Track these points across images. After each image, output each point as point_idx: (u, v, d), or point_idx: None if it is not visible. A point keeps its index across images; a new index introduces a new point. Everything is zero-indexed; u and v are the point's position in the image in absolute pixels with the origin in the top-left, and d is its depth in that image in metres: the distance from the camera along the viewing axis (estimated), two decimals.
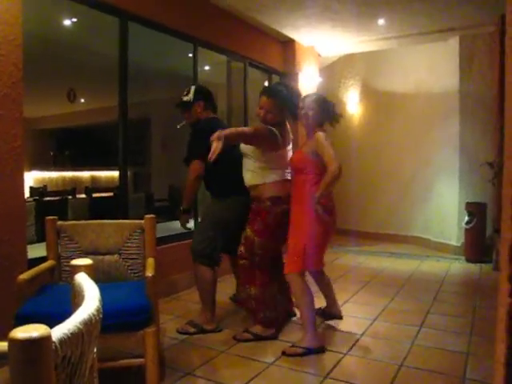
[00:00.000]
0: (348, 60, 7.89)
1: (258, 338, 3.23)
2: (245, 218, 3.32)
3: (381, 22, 5.68)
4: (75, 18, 5.12)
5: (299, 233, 3.10)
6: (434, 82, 6.85)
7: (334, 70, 8.08)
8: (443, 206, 6.68)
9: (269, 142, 3.21)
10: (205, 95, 3.61)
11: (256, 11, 5.41)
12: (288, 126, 3.41)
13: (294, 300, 3.52)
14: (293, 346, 3.02)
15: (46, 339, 0.76)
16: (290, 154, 3.38)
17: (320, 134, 3.12)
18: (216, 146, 2.77)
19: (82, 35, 5.87)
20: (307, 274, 3.34)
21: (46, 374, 0.76)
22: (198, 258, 3.40)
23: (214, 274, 3.42)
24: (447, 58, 6.57)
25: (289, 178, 3.30)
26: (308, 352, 2.96)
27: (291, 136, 3.47)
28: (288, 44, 6.59)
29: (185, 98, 3.54)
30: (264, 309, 3.26)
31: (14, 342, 0.74)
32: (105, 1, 3.84)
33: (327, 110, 3.25)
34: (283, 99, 3.25)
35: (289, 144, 3.39)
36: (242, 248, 3.29)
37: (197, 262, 3.41)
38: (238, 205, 3.42)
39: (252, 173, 3.29)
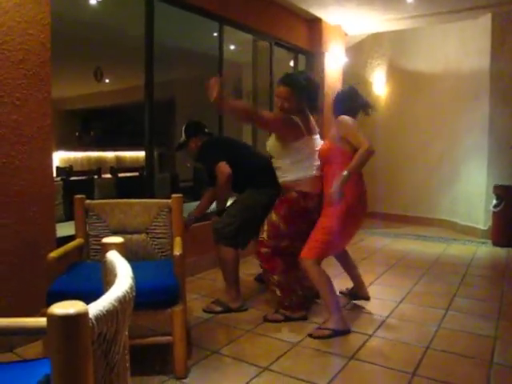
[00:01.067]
0: (375, 39, 7.73)
1: (287, 319, 3.24)
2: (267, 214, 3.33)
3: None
4: None
5: (324, 222, 3.09)
6: (463, 62, 6.67)
7: (361, 50, 7.92)
8: (471, 188, 6.56)
9: (288, 130, 3.19)
10: (194, 129, 3.73)
11: None
12: (310, 115, 3.34)
13: None
14: (319, 329, 3.03)
15: (84, 316, 0.76)
16: (318, 142, 3.34)
17: (343, 117, 3.09)
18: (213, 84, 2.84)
19: (108, 15, 5.87)
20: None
21: (84, 350, 0.77)
22: (221, 239, 3.42)
23: (236, 254, 3.44)
24: (478, 37, 6.38)
25: (318, 173, 3.24)
26: (334, 334, 2.96)
27: (315, 126, 3.38)
28: (314, 23, 6.47)
29: (180, 141, 3.74)
30: (290, 294, 3.26)
31: (52, 318, 0.74)
32: None
33: (356, 102, 3.32)
34: (300, 88, 3.20)
35: (314, 133, 3.33)
36: (264, 235, 3.26)
37: (220, 243, 3.43)
38: (269, 194, 3.42)
39: (280, 170, 3.30)
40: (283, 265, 3.24)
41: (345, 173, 2.92)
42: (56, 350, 0.75)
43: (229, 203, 3.66)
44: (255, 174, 3.56)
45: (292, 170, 3.22)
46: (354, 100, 3.31)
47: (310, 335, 2.99)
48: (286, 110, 3.21)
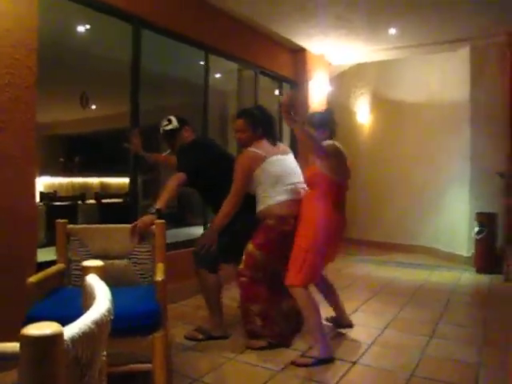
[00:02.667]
0: (359, 69, 7.90)
1: (269, 345, 3.20)
2: (252, 232, 3.31)
3: (392, 31, 5.69)
4: (89, 24, 5.18)
5: (301, 242, 3.08)
6: (445, 92, 6.83)
7: (345, 79, 8.08)
8: (453, 215, 6.63)
9: (248, 167, 3.27)
10: (186, 121, 3.73)
11: (268, 20, 5.44)
12: (265, 141, 3.38)
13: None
14: (302, 356, 3.00)
15: (59, 336, 0.75)
16: (290, 161, 3.40)
17: (330, 144, 3.12)
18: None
19: (95, 41, 5.93)
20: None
21: (58, 373, 0.76)
22: (200, 262, 3.37)
23: (217, 279, 3.40)
24: (458, 68, 6.56)
25: (292, 197, 3.25)
26: (318, 362, 2.92)
27: (280, 146, 3.43)
28: (299, 52, 6.61)
29: (169, 127, 3.62)
30: (271, 324, 3.22)
31: (26, 339, 0.73)
32: (118, 7, 3.88)
33: (331, 127, 3.29)
34: (253, 118, 3.37)
35: (280, 153, 3.36)
36: (242, 265, 3.24)
37: (199, 266, 3.38)
38: (247, 217, 3.38)
39: (257, 201, 3.33)
40: (265, 294, 3.21)
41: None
42: (28, 373, 0.74)
43: (202, 230, 3.62)
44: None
45: (265, 197, 3.25)
46: (333, 121, 3.33)
47: (294, 363, 2.95)
48: (243, 140, 3.37)
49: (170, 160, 3.92)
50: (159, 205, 3.15)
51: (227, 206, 3.27)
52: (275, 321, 3.24)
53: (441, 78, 6.93)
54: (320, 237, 3.03)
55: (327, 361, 2.96)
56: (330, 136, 3.24)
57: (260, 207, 3.28)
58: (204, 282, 3.39)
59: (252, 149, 3.30)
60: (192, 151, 3.52)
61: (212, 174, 3.46)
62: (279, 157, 3.33)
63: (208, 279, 3.37)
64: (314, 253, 3.03)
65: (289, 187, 3.26)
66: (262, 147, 3.31)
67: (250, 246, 3.22)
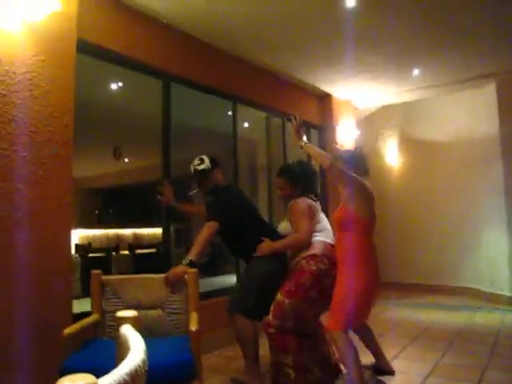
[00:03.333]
0: (385, 111, 7.93)
1: None
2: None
3: (416, 72, 5.74)
4: (121, 81, 5.41)
5: (341, 289, 3.00)
6: (473, 128, 6.80)
7: (372, 122, 8.12)
8: (493, 253, 6.43)
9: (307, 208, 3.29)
10: (218, 163, 3.71)
11: (294, 69, 5.60)
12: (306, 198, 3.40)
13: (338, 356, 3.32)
14: None
15: None
16: (323, 220, 3.40)
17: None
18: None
19: (127, 97, 6.17)
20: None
21: None
22: (240, 310, 3.26)
23: (254, 327, 3.27)
24: (486, 104, 6.55)
25: (328, 240, 3.26)
26: None
27: (316, 206, 3.42)
28: (325, 98, 6.72)
29: (202, 167, 3.56)
30: (306, 375, 3.08)
31: None
32: (149, 64, 4.07)
33: (358, 164, 3.26)
34: (293, 177, 3.42)
35: (316, 212, 3.37)
36: (270, 316, 3.12)
37: (238, 314, 3.27)
38: (280, 260, 3.36)
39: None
40: (296, 343, 3.08)
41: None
42: None
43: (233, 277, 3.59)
44: (256, 243, 3.41)
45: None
46: (361, 159, 3.34)
47: None
48: (283, 197, 3.45)
49: (201, 209, 3.95)
50: (191, 256, 3.14)
51: (293, 240, 3.25)
52: (309, 369, 3.10)
53: (468, 114, 6.91)
54: (361, 281, 2.96)
55: None
56: (359, 174, 3.20)
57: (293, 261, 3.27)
58: (240, 329, 3.26)
59: (298, 200, 3.35)
60: (224, 199, 3.51)
61: (240, 223, 3.45)
62: (319, 211, 3.40)
63: (245, 326, 3.23)
64: (355, 297, 2.95)
65: (327, 232, 3.30)
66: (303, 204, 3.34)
67: (279, 295, 3.12)
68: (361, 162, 3.29)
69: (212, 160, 3.62)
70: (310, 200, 3.35)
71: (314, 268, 3.08)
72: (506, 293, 6.14)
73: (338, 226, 3.17)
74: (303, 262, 3.14)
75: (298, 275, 3.10)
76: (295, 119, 3.26)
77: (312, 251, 3.15)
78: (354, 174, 3.08)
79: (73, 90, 3.16)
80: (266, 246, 3.27)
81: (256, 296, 3.26)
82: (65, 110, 3.09)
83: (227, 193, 3.60)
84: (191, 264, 3.09)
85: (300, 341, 3.11)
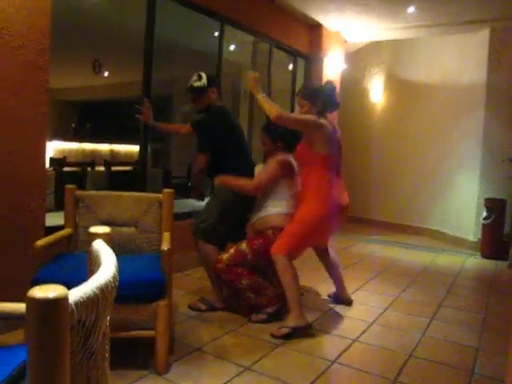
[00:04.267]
0: (374, 48, 7.78)
1: (271, 316, 3.24)
2: (248, 208, 3.48)
3: (411, 9, 5.55)
4: None
5: (295, 218, 3.17)
6: (460, 74, 6.72)
7: (360, 57, 7.97)
8: (462, 200, 6.60)
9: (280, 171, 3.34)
10: (217, 83, 3.62)
11: None
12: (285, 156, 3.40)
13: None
14: (280, 328, 3.02)
15: (63, 300, 0.76)
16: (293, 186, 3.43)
17: (317, 120, 3.15)
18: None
19: (110, 6, 5.86)
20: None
21: (62, 335, 0.77)
22: (201, 235, 3.38)
23: (216, 252, 3.38)
24: (476, 50, 6.44)
25: (285, 211, 3.32)
26: (293, 332, 2.97)
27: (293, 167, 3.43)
28: (315, 28, 6.50)
29: (197, 84, 3.45)
30: (264, 290, 3.26)
31: (31, 301, 0.74)
32: None
33: (323, 99, 3.24)
34: (275, 133, 3.41)
35: (295, 173, 3.41)
36: (225, 256, 3.25)
37: (200, 239, 3.38)
38: (240, 202, 3.43)
39: (255, 212, 3.43)
40: (245, 270, 3.24)
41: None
42: (33, 334, 0.75)
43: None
44: (238, 173, 3.44)
45: (266, 208, 3.35)
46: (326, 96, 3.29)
47: (272, 335, 2.98)
48: (266, 153, 3.58)
49: (181, 129, 3.91)
50: (193, 194, 3.56)
51: (244, 186, 3.33)
52: (266, 286, 3.28)
53: (457, 59, 6.81)
54: (314, 213, 3.11)
55: (303, 329, 3.01)
56: (322, 111, 3.22)
57: (258, 215, 3.38)
58: (204, 253, 3.41)
59: (290, 157, 3.38)
60: (216, 119, 3.46)
61: (224, 148, 3.43)
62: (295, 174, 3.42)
63: (207, 250, 3.38)
64: (305, 226, 3.11)
65: (287, 203, 3.34)
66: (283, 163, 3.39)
67: (244, 246, 3.27)
68: (326, 99, 3.25)
69: (210, 78, 3.50)
70: (290, 160, 3.37)
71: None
72: (470, 237, 6.38)
73: (298, 161, 3.34)
74: (269, 231, 3.28)
75: (266, 241, 3.23)
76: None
77: (275, 223, 3.28)
78: (309, 116, 3.13)
79: None
80: (222, 178, 3.34)
81: (214, 222, 3.37)
82: (40, 14, 2.90)
83: (220, 114, 3.52)
84: (199, 195, 3.56)
85: (248, 268, 3.29)
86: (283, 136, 3.38)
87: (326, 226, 3.26)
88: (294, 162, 3.38)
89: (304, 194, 3.22)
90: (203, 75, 3.48)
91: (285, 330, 2.98)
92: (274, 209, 3.33)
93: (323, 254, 3.70)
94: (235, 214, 3.45)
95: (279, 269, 3.07)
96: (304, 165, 3.27)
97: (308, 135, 3.19)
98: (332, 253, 3.72)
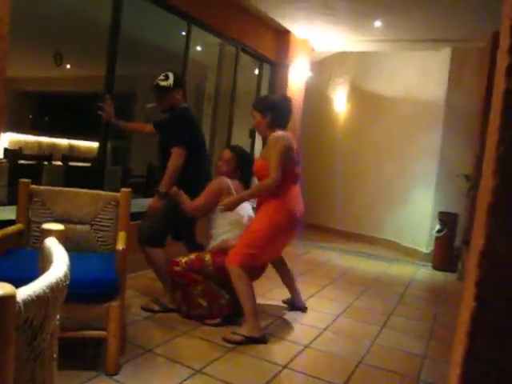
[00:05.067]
0: (340, 58, 7.90)
1: (220, 323, 3.23)
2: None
3: (377, 23, 5.70)
4: None
5: (250, 229, 3.17)
6: (421, 90, 6.92)
7: (325, 66, 8.09)
8: (417, 212, 6.79)
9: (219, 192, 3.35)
10: (183, 84, 3.61)
11: None
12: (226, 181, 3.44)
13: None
14: (233, 333, 3.01)
15: (11, 298, 0.75)
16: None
17: (273, 135, 3.14)
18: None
19: None
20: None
21: (7, 334, 0.75)
22: (146, 241, 3.35)
23: (163, 254, 3.38)
24: (437, 68, 6.65)
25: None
26: (246, 341, 2.95)
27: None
28: (283, 34, 6.56)
29: (163, 83, 3.44)
30: (218, 299, 3.25)
31: None
32: None
33: (275, 112, 3.22)
34: (242, 157, 3.55)
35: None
36: (183, 260, 3.24)
37: (145, 245, 3.36)
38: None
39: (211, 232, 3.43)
40: (201, 276, 3.23)
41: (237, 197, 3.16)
42: None
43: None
44: (194, 179, 3.45)
45: (225, 231, 3.36)
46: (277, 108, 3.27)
47: (224, 339, 2.98)
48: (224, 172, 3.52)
49: (145, 128, 3.86)
50: (164, 187, 3.30)
51: (187, 207, 3.32)
52: (219, 294, 3.26)
53: (419, 75, 7.00)
54: (270, 222, 3.10)
55: (257, 341, 2.98)
56: (274, 122, 3.21)
57: (214, 242, 3.37)
58: (153, 257, 3.38)
59: (228, 180, 3.40)
60: (184, 119, 3.46)
61: (189, 147, 3.39)
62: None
63: (157, 255, 3.36)
64: (261, 235, 3.09)
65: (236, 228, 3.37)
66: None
67: (208, 257, 3.24)
68: (278, 111, 3.24)
69: (176, 79, 3.49)
70: (229, 185, 3.38)
71: None
72: (423, 249, 6.58)
73: (256, 176, 3.31)
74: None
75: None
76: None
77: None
78: (279, 150, 3.05)
79: None
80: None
81: (160, 227, 3.38)
82: None
83: (184, 115, 3.50)
84: (164, 195, 3.29)
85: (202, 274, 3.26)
86: (248, 168, 3.45)
87: (284, 235, 3.23)
88: (232, 185, 3.39)
89: (260, 204, 3.21)
90: (170, 75, 3.46)
91: (238, 338, 2.96)
92: (230, 233, 3.34)
93: (279, 263, 3.70)
94: (181, 218, 3.40)
95: (234, 279, 3.05)
96: (262, 178, 3.18)
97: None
98: (284, 259, 3.74)
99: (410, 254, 6.78)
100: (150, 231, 3.34)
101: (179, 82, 3.52)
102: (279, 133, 3.13)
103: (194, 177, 3.44)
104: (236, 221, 3.36)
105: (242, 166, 3.51)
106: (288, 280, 3.75)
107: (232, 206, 3.12)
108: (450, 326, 3.79)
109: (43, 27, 6.72)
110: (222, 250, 3.26)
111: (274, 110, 3.21)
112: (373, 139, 7.58)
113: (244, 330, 2.99)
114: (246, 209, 3.45)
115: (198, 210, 3.33)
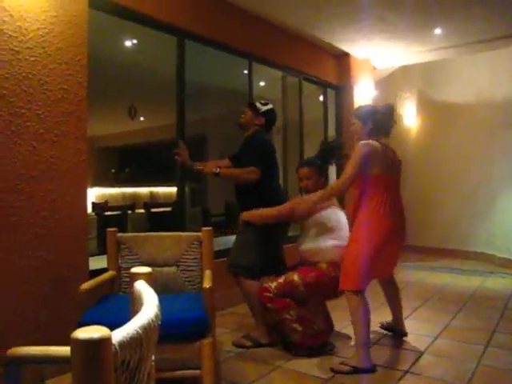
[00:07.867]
0: (404, 72, 7.75)
1: (311, 349, 3.18)
2: (282, 239, 3.55)
3: (437, 31, 5.55)
4: (135, 39, 5.34)
5: (353, 247, 3.03)
6: (495, 90, 6.62)
7: (390, 83, 7.95)
8: (508, 219, 6.37)
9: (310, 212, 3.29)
10: (271, 119, 3.66)
11: (310, 26, 5.44)
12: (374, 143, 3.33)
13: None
14: (342, 363, 2.92)
15: (107, 340, 0.77)
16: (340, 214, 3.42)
17: (358, 145, 3.08)
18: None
19: (141, 55, 6.10)
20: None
21: (106, 376, 0.78)
22: (241, 271, 3.35)
23: (259, 286, 3.33)
24: (509, 65, 6.33)
25: (341, 243, 3.23)
26: (355, 371, 2.83)
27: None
28: (342, 57, 6.56)
29: (259, 105, 3.60)
30: (312, 324, 3.18)
31: (75, 342, 0.76)
32: (163, 21, 3.98)
33: (376, 121, 3.17)
34: (318, 165, 3.45)
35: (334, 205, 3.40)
36: (273, 284, 3.18)
37: (240, 276, 3.36)
38: (277, 227, 3.42)
39: (306, 239, 3.36)
40: (291, 302, 3.16)
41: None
42: (78, 375, 0.76)
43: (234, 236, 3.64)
44: (272, 202, 3.40)
45: (318, 240, 3.29)
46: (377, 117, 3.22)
47: (332, 369, 2.90)
48: (310, 188, 3.44)
49: (220, 163, 3.87)
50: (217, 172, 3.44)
51: (281, 211, 3.31)
52: (313, 320, 3.20)
53: (490, 76, 6.72)
54: (370, 240, 2.96)
55: (366, 371, 2.85)
56: (375, 131, 3.16)
57: (310, 246, 3.30)
58: (246, 290, 3.37)
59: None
60: (262, 145, 3.49)
61: (266, 174, 3.40)
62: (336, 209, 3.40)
63: (249, 286, 3.34)
64: (366, 254, 2.93)
65: (340, 233, 3.29)
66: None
67: (296, 277, 3.16)
68: (379, 119, 3.18)
69: (270, 110, 3.63)
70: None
71: (333, 275, 3.14)
72: None
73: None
74: (324, 265, 3.20)
75: (321, 275, 3.16)
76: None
77: (331, 257, 3.20)
78: (356, 155, 3.01)
79: (86, 46, 3.12)
80: (251, 213, 3.33)
81: (256, 256, 3.35)
82: (78, 67, 3.06)
83: (263, 138, 3.56)
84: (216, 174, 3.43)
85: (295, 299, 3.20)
86: (326, 171, 3.46)
87: (390, 244, 3.06)
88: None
89: (358, 218, 3.09)
90: (269, 105, 3.65)
91: (345, 368, 2.86)
92: (328, 242, 3.25)
93: (389, 281, 3.56)
94: (271, 239, 3.42)
95: (351, 306, 2.94)
96: (356, 188, 3.12)
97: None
98: (395, 280, 3.61)
99: (506, 264, 6.33)
100: (244, 261, 3.34)
101: (269, 114, 3.61)
102: (366, 141, 3.07)
103: (271, 197, 3.44)
104: (332, 228, 3.29)
105: (324, 166, 3.47)
106: (394, 301, 3.57)
107: (312, 210, 3.20)
108: None
109: (116, 85, 7.19)
110: (309, 266, 3.22)
111: (376, 118, 3.18)
112: (449, 149, 7.28)
113: (353, 360, 2.89)
114: (341, 217, 3.40)
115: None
